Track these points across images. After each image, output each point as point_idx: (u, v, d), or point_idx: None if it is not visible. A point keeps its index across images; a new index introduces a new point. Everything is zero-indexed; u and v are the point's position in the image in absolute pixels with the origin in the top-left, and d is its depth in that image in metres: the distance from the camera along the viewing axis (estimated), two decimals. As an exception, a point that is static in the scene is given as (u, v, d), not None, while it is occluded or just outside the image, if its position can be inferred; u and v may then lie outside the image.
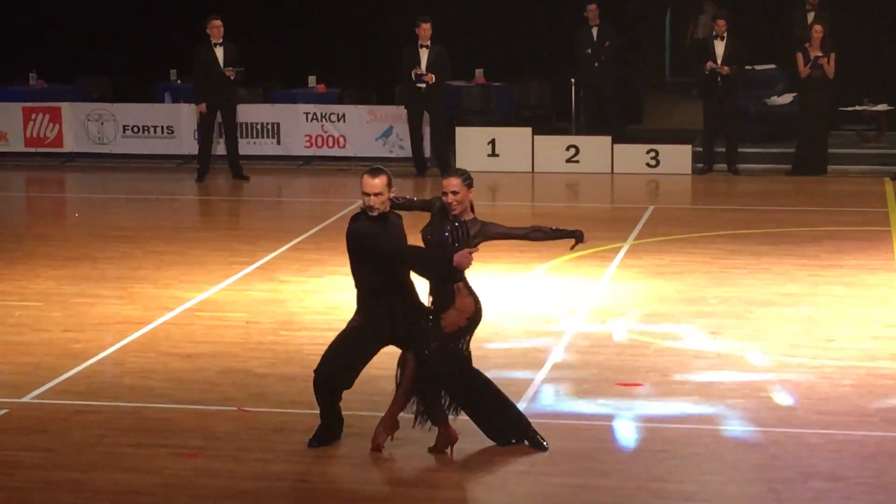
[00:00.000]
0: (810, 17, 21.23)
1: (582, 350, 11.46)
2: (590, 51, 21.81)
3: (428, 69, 20.40)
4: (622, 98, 22.74)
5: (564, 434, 9.19)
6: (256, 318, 12.58)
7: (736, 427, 9.55)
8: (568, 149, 21.34)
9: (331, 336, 10.23)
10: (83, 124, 22.57)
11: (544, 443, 8.99)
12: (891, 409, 9.93)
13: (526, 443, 9.01)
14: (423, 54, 20.49)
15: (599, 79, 21.98)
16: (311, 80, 23.31)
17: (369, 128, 21.99)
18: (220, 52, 20.48)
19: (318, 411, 9.14)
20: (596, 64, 21.84)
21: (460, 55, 21.59)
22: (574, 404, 10.03)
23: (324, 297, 13.27)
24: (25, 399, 10.27)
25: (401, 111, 21.82)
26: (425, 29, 20.44)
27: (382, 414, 9.11)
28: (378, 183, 8.77)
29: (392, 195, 8.88)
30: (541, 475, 8.66)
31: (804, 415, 9.80)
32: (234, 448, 9.15)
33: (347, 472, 8.76)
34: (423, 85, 20.42)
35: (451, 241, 8.82)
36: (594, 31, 21.85)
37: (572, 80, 22.69)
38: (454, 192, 8.86)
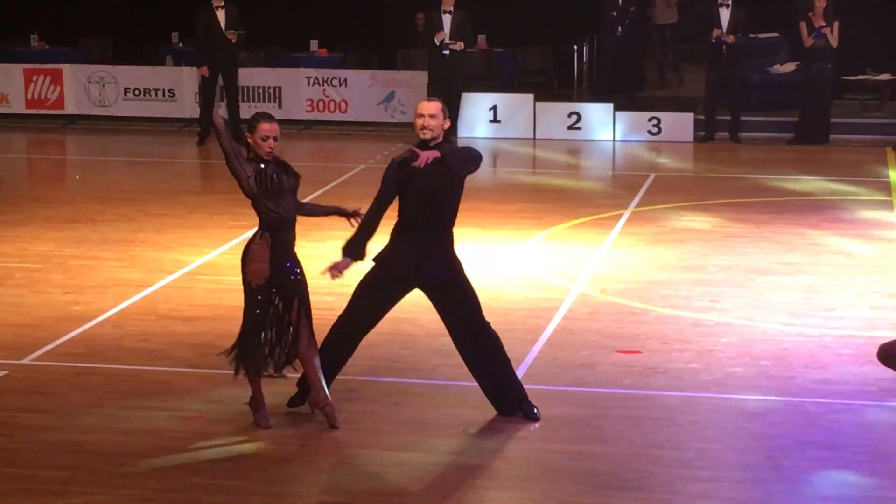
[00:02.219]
0: (814, -15, 21.18)
1: (581, 317, 11.46)
2: (615, 13, 21.74)
3: (452, 35, 20.31)
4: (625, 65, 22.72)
5: (563, 401, 9.20)
6: (256, 282, 12.56)
7: (734, 395, 9.56)
8: (570, 115, 21.31)
9: (331, 300, 10.26)
10: (84, 86, 22.54)
11: (536, 411, 8.97)
12: (889, 378, 9.92)
13: (520, 413, 8.99)
14: (447, 20, 20.37)
15: (620, 43, 21.90)
16: (313, 44, 23.29)
17: (371, 92, 21.96)
18: (221, 16, 20.42)
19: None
20: (619, 28, 21.76)
21: (462, 20, 21.53)
22: (573, 371, 10.04)
23: (324, 262, 13.18)
24: (25, 361, 10.28)
25: (403, 76, 21.82)
26: None
27: (383, 379, 9.11)
28: (433, 106, 8.72)
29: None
30: (539, 441, 8.67)
31: (803, 384, 9.82)
32: (234, 412, 9.16)
33: (346, 437, 8.77)
34: (448, 52, 20.32)
35: None
36: None
37: (574, 46, 22.66)
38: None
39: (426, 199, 8.67)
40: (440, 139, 8.74)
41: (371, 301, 8.89)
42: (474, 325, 8.89)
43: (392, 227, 8.87)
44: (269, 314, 8.79)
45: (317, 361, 8.77)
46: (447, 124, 8.80)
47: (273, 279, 8.73)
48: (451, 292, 8.84)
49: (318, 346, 8.89)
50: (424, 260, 8.75)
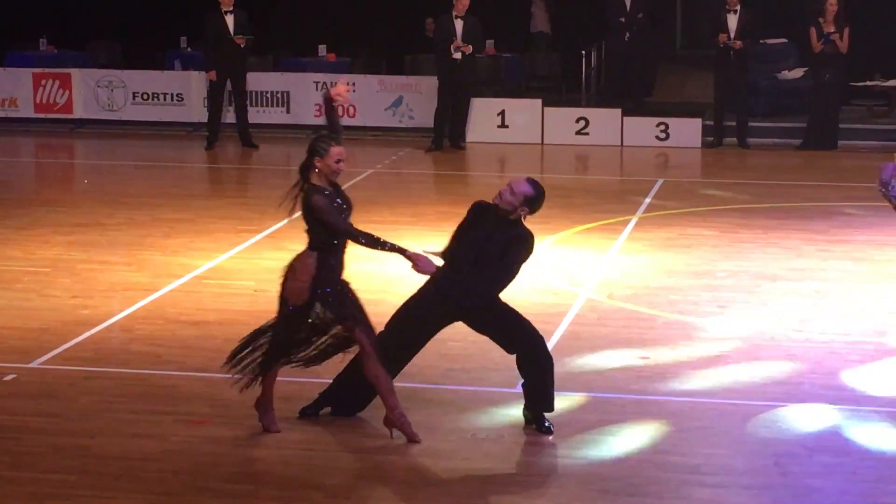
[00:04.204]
0: (824, -10, 21.16)
1: (589, 322, 11.46)
2: (623, 20, 21.74)
3: (464, 40, 20.35)
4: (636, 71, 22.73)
5: (571, 406, 9.19)
6: (264, 286, 12.56)
7: (742, 401, 9.55)
8: (578, 121, 21.32)
9: (338, 305, 10.26)
10: (93, 91, 22.56)
11: (548, 424, 8.97)
12: (898, 384, 9.93)
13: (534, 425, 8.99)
14: (459, 25, 20.42)
15: (628, 50, 21.91)
16: (322, 48, 23.29)
17: (379, 97, 21.97)
18: (230, 20, 20.46)
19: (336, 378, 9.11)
20: (627, 34, 21.77)
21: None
22: (581, 377, 10.03)
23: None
24: (33, 364, 10.29)
25: (410, 81, 21.85)
26: (464, 3, 20.36)
27: (394, 385, 9.09)
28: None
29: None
30: (546, 447, 8.67)
31: (811, 389, 9.80)
32: (242, 416, 9.16)
33: (353, 442, 8.77)
34: (460, 55, 20.36)
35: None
36: (627, 1, 21.77)
37: (582, 51, 22.67)
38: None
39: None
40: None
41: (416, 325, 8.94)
42: (517, 334, 8.92)
43: None
44: (297, 337, 8.75)
45: (386, 380, 8.71)
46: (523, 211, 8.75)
47: (311, 303, 8.65)
48: (486, 319, 8.90)
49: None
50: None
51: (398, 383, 9.52)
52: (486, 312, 8.83)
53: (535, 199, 8.71)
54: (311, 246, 8.70)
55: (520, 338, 8.87)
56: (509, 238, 8.66)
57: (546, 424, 8.91)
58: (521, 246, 8.72)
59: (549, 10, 24.63)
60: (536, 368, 8.87)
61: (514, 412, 9.21)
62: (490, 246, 8.65)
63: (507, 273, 8.72)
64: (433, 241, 13.57)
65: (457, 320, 8.89)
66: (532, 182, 8.75)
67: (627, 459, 8.48)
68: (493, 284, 8.73)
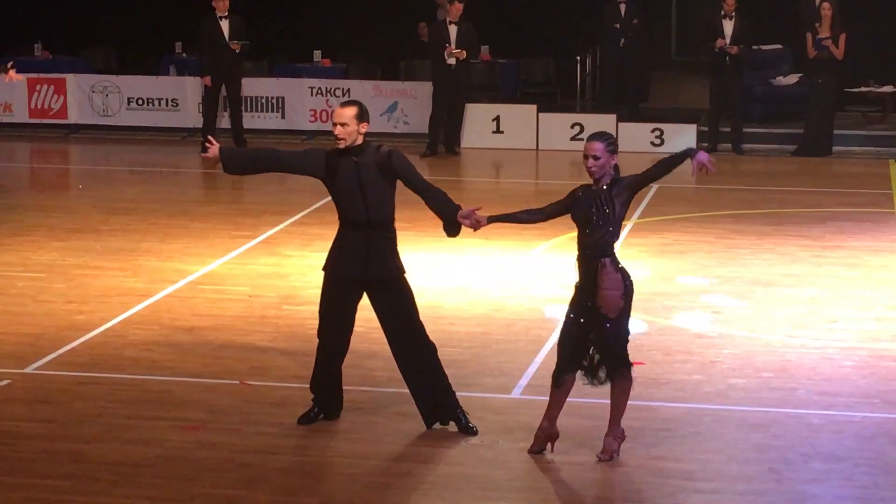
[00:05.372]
0: (820, -4, 21.18)
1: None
2: (617, 26, 21.76)
3: (457, 45, 20.37)
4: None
5: (565, 412, 9.17)
6: (259, 291, 12.59)
7: (737, 407, 9.55)
8: (573, 126, 21.31)
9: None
10: (88, 96, 22.55)
11: (472, 425, 8.98)
12: (892, 390, 9.93)
13: (452, 423, 9.00)
14: (452, 31, 20.44)
15: (623, 56, 21.92)
16: (317, 54, 23.30)
17: (374, 103, 21.93)
18: (225, 26, 20.45)
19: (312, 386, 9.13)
20: (622, 41, 21.78)
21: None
22: (575, 382, 10.00)
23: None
24: (28, 370, 10.28)
25: (406, 86, 21.84)
26: (458, 8, 20.38)
27: (384, 389, 9.12)
28: (345, 113, 8.70)
29: None
30: (546, 452, 8.65)
31: (805, 395, 9.81)
32: (236, 421, 9.16)
33: (348, 447, 8.77)
34: (454, 61, 20.37)
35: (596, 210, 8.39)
36: (622, 7, 21.80)
37: (577, 57, 22.68)
38: (595, 157, 8.43)
39: (356, 196, 8.71)
40: (358, 143, 8.73)
41: (335, 310, 8.92)
42: (411, 330, 8.91)
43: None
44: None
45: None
46: (363, 128, 8.76)
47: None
48: (391, 292, 8.86)
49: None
50: (371, 257, 8.77)
51: (393, 389, 9.52)
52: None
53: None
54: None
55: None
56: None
57: (470, 424, 8.97)
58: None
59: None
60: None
61: (509, 418, 9.21)
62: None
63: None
64: (428, 246, 13.60)
65: None
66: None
67: (622, 465, 8.47)
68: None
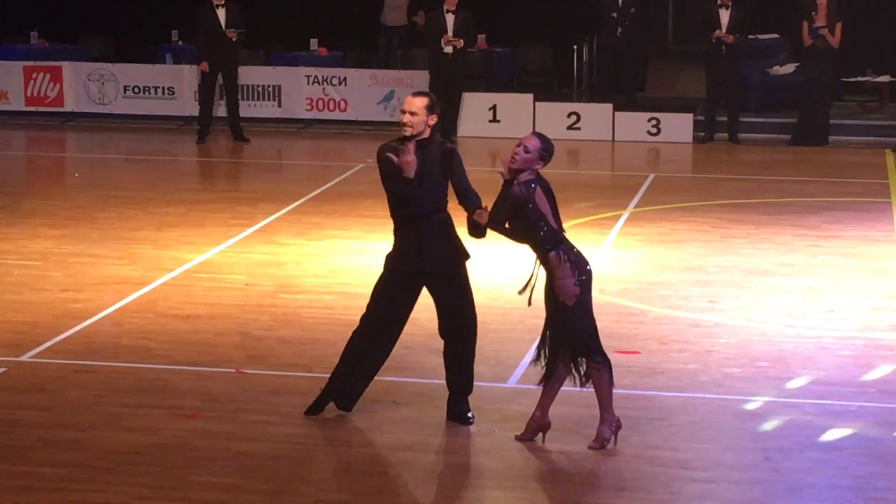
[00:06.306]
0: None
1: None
2: (615, 15, 21.74)
3: (455, 34, 20.36)
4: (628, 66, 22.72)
5: (561, 401, 9.17)
6: (255, 280, 12.59)
7: (733, 396, 9.56)
8: (569, 115, 21.31)
9: (330, 299, 10.26)
10: (84, 84, 22.53)
11: (470, 415, 8.97)
12: (888, 380, 9.95)
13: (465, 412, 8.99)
14: (450, 19, 20.42)
15: (620, 45, 21.90)
16: (313, 42, 23.28)
17: (371, 91, 21.95)
18: (222, 14, 20.42)
19: (330, 374, 9.08)
20: (619, 30, 21.77)
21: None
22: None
23: (323, 261, 13.27)
24: (24, 358, 10.28)
25: (402, 75, 21.82)
26: None
27: (381, 378, 9.11)
28: (416, 102, 8.68)
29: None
30: (537, 441, 8.66)
31: (801, 385, 9.82)
32: (232, 410, 9.16)
33: (344, 436, 8.77)
34: (451, 50, 20.36)
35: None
36: None
37: (574, 46, 22.67)
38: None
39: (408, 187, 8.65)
40: (425, 135, 8.71)
41: (388, 302, 8.87)
42: (463, 315, 8.88)
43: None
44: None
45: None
46: (432, 120, 8.75)
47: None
48: (449, 277, 8.82)
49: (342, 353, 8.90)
50: (426, 246, 8.73)
51: (389, 378, 9.53)
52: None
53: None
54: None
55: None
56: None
57: (468, 414, 8.97)
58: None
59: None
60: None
61: (505, 407, 9.22)
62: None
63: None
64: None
65: None
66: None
67: (618, 454, 8.48)
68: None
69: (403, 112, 8.69)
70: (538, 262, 8.57)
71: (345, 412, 9.02)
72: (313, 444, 8.70)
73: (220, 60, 20.52)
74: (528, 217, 8.42)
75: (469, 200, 8.74)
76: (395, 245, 8.86)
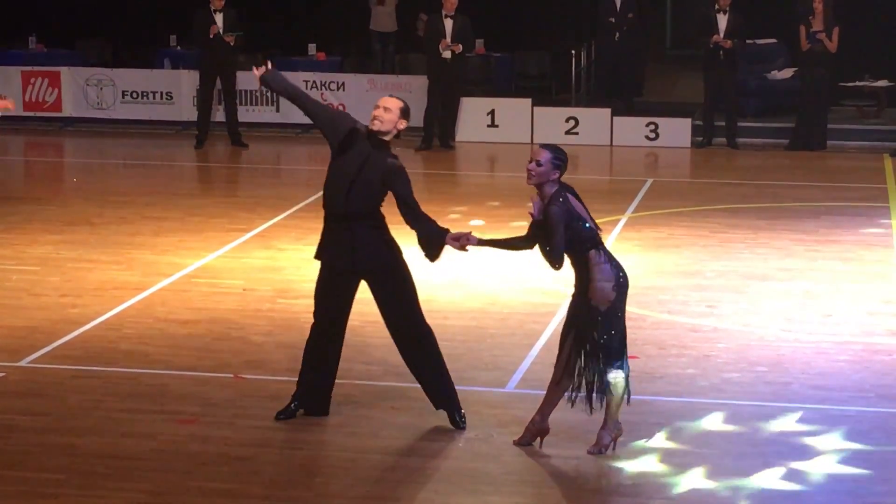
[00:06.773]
0: (813, -10, 21.17)
1: (578, 322, 11.43)
2: (613, 20, 21.75)
3: (453, 39, 20.38)
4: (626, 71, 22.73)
5: (559, 406, 9.18)
6: (254, 285, 12.59)
7: (731, 401, 9.56)
8: (567, 120, 21.32)
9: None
10: (82, 89, 22.53)
11: (460, 418, 8.97)
12: (886, 384, 9.95)
13: (454, 416, 8.98)
14: (448, 24, 20.44)
15: (618, 50, 21.92)
16: (311, 48, 23.28)
17: (369, 96, 21.90)
18: (220, 19, 20.43)
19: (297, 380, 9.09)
20: (617, 35, 21.78)
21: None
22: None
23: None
24: (22, 363, 10.27)
25: (401, 80, 21.82)
26: (453, 2, 20.39)
27: (379, 383, 9.11)
28: (391, 101, 8.76)
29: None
30: (535, 446, 8.66)
31: (800, 389, 9.82)
32: (230, 415, 9.16)
33: (342, 441, 8.77)
34: (449, 55, 20.38)
35: None
36: (618, 1, 21.77)
37: (572, 51, 22.68)
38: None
39: (343, 182, 8.67)
40: (388, 137, 8.73)
41: (331, 301, 8.88)
42: (411, 318, 8.87)
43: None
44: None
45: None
46: (402, 125, 8.76)
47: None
48: (388, 281, 8.82)
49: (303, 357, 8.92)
50: (359, 247, 8.72)
51: (387, 383, 9.53)
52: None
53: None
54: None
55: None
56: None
57: (458, 417, 8.97)
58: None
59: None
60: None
61: (503, 412, 9.22)
62: None
63: None
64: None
65: None
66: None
67: (616, 459, 8.48)
68: None
69: (377, 107, 8.73)
70: (519, 247, 8.62)
71: (324, 416, 9.03)
72: (311, 449, 8.70)
73: (218, 65, 20.52)
74: (575, 228, 8.43)
75: (422, 224, 8.66)
76: (322, 241, 8.88)
